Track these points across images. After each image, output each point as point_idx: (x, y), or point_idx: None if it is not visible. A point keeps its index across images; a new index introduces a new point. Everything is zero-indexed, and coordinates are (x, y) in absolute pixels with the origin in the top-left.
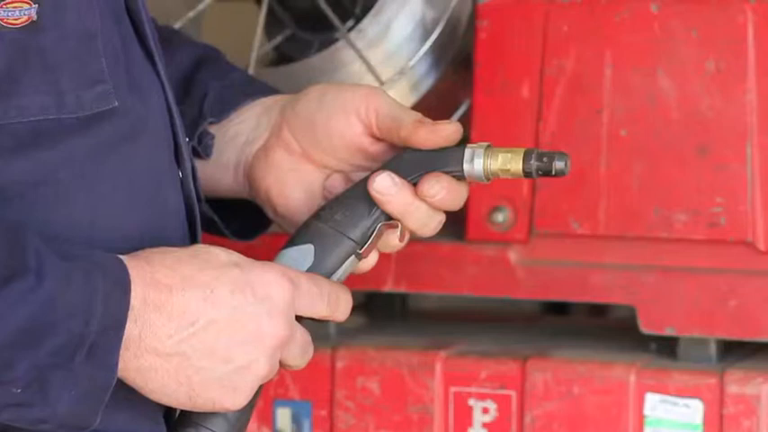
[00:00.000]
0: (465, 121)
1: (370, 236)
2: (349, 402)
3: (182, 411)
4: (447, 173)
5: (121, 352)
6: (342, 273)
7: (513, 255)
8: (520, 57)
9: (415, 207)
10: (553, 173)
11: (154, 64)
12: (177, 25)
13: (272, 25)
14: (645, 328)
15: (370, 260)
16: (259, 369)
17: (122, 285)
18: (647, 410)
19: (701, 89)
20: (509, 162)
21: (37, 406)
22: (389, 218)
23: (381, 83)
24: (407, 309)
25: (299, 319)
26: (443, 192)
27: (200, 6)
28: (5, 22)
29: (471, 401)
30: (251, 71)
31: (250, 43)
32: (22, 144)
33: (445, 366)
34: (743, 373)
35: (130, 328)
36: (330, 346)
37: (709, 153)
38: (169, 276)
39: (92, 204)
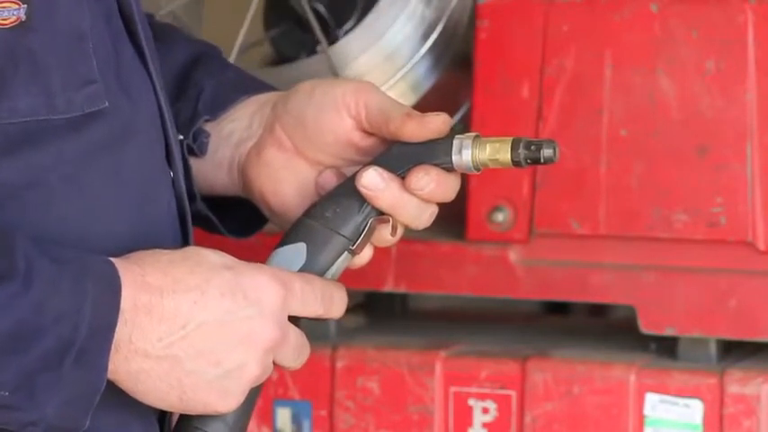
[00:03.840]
0: (465, 120)
1: (362, 231)
2: (349, 402)
3: (180, 415)
4: (436, 165)
5: (112, 355)
6: (335, 270)
7: (513, 255)
8: (520, 57)
9: (405, 201)
10: (542, 161)
11: (145, 63)
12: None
13: (271, 22)
14: (645, 328)
15: (365, 255)
16: (250, 372)
17: (112, 289)
18: (647, 410)
19: (701, 89)
20: (497, 152)
21: (25, 410)
22: (380, 212)
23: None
24: (407, 309)
25: (295, 319)
26: (432, 184)
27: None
28: None
29: (471, 401)
30: (231, 59)
31: (251, 33)
32: (12, 145)
33: (445, 366)
34: (743, 373)
35: (120, 331)
36: (330, 346)
37: (709, 153)
38: (160, 279)
39: (82, 205)
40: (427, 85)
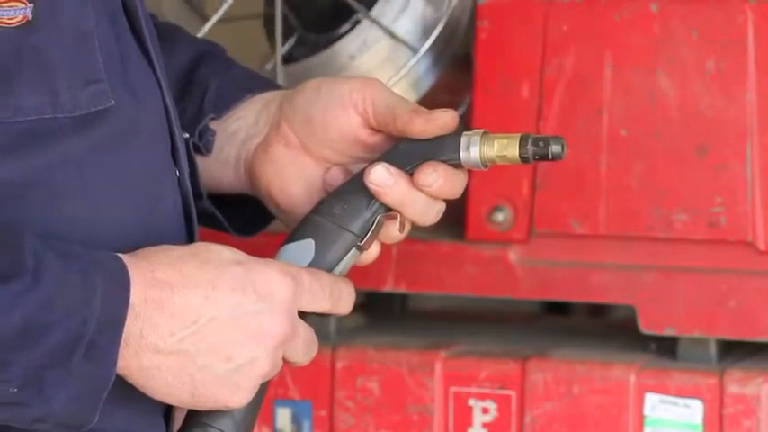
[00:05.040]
0: (465, 120)
1: (370, 228)
2: (349, 402)
3: (188, 412)
4: (444, 161)
5: (122, 350)
6: (343, 266)
7: (513, 255)
8: (520, 57)
9: (413, 197)
10: (550, 157)
11: (150, 62)
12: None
13: (272, 23)
14: (645, 328)
15: (372, 252)
16: (261, 367)
17: (121, 283)
18: (647, 410)
19: (701, 89)
20: (505, 148)
21: (34, 405)
22: (388, 209)
23: (415, 51)
24: (407, 309)
25: (302, 315)
26: (440, 180)
27: (204, 28)
28: (0, 22)
29: (471, 401)
30: (280, 81)
31: (253, 59)
32: (17, 144)
33: (445, 366)
34: (743, 373)
35: (131, 326)
36: (330, 346)
37: (709, 153)
38: (170, 275)
39: (88, 204)
40: (428, 83)
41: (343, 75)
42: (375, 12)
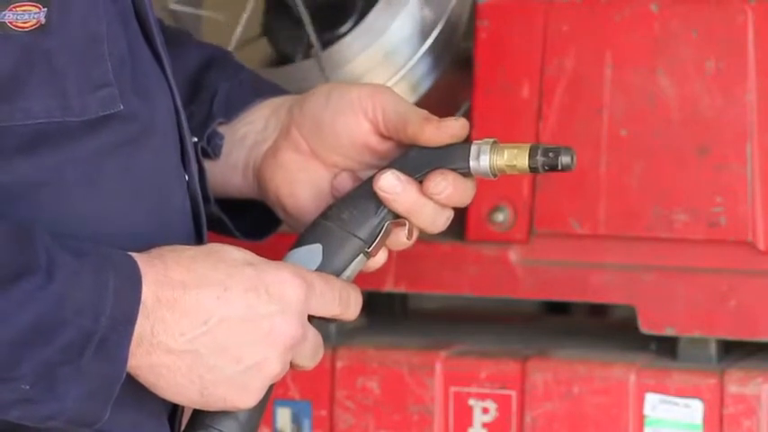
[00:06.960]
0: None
1: (378, 234)
2: (349, 402)
3: (192, 413)
4: (453, 170)
5: (134, 348)
6: (350, 272)
7: (513, 255)
8: (520, 57)
9: (422, 205)
10: (559, 167)
11: (161, 66)
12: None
13: (271, 20)
14: (645, 328)
15: (379, 259)
16: (270, 368)
17: (133, 281)
18: (647, 410)
19: (701, 89)
20: (515, 158)
21: (45, 402)
22: (397, 216)
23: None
24: (407, 309)
25: (309, 318)
26: (449, 189)
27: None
28: (14, 25)
29: (471, 401)
30: (231, 48)
31: (250, 32)
32: (27, 145)
33: (445, 366)
34: (743, 373)
35: (142, 324)
36: (330, 346)
37: (709, 153)
38: (183, 274)
39: (97, 205)
40: (427, 84)
41: (340, 76)
42: (373, 12)
